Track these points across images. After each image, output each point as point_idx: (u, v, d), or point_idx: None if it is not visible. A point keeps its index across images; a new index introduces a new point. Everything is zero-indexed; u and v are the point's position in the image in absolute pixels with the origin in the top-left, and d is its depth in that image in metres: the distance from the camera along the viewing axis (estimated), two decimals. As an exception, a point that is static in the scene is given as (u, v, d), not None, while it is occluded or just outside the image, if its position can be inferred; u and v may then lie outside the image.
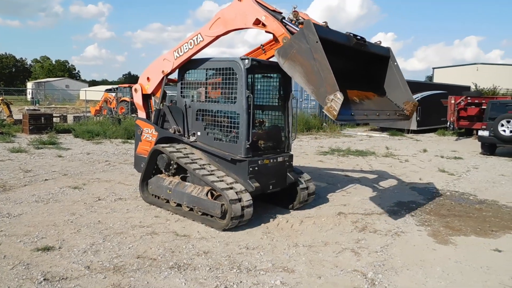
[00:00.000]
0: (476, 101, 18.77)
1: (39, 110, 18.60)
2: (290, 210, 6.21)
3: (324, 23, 4.81)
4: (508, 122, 13.04)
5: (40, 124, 15.18)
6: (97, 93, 36.47)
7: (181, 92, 6.12)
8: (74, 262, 4.12)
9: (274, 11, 5.25)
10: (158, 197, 6.11)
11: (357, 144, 15.93)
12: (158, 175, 6.18)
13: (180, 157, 5.59)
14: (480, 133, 13.99)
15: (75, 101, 47.33)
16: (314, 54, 4.33)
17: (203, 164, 5.51)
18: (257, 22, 5.21)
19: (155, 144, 6.23)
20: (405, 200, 7.26)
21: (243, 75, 5.21)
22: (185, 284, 3.77)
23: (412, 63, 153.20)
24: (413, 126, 21.12)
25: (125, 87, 27.77)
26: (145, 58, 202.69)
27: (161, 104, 6.26)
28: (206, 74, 5.93)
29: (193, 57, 5.99)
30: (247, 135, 5.25)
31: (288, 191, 6.13)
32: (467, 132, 20.33)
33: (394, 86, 5.47)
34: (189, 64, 6.05)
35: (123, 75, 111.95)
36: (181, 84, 6.13)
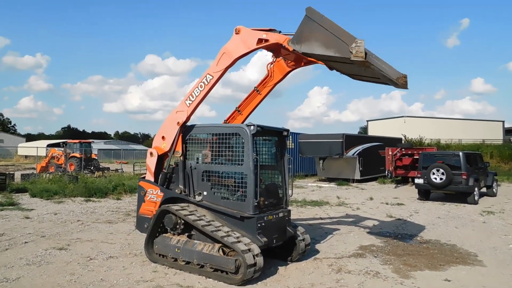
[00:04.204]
0: (409, 152, 21.31)
1: (-12, 169, 17.75)
2: (280, 260, 6.77)
3: None
4: (438, 170, 15.10)
5: (-9, 184, 14.60)
6: (35, 149, 34.74)
7: (186, 154, 6.67)
8: (97, 316, 4.49)
9: (270, 30, 6.36)
10: (165, 256, 6.35)
11: (310, 195, 17.19)
12: (163, 234, 6.49)
13: (196, 220, 5.98)
14: (416, 181, 15.96)
15: (12, 156, 44.54)
16: (323, 25, 5.44)
17: (219, 226, 5.95)
18: (259, 42, 6.31)
19: (161, 204, 6.60)
20: (366, 243, 8.33)
21: (249, 140, 5.86)
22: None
23: (346, 115, 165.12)
24: (357, 175, 23.10)
25: (74, 142, 27.32)
26: (85, 110, 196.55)
27: (169, 167, 6.74)
28: (212, 138, 6.50)
29: (198, 125, 6.72)
30: (255, 194, 5.82)
31: (284, 244, 6.63)
32: (404, 180, 22.66)
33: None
34: (194, 129, 6.68)
35: (62, 128, 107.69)
36: (186, 147, 6.67)
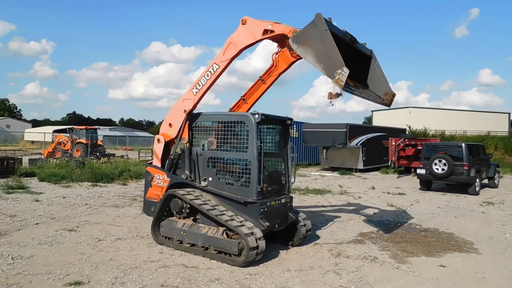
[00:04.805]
0: (413, 142, 21.42)
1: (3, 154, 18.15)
2: (281, 244, 7.02)
3: (329, 19, 6.00)
4: (440, 161, 15.24)
5: (2, 168, 14.97)
6: (41, 134, 35.11)
7: (192, 141, 6.87)
8: (108, 292, 4.77)
9: (275, 23, 6.51)
10: (171, 238, 6.60)
11: (313, 183, 17.42)
12: (170, 218, 6.74)
13: (201, 204, 6.20)
14: (418, 171, 16.12)
15: (19, 142, 45.07)
16: (324, 39, 5.63)
17: (223, 210, 6.17)
18: (265, 32, 6.49)
19: (168, 189, 6.82)
20: (365, 231, 8.56)
21: (254, 128, 6.05)
22: (209, 304, 4.58)
23: (351, 105, 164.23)
24: (360, 165, 23.26)
25: (81, 129, 27.63)
26: (90, 97, 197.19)
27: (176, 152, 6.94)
28: (218, 126, 6.70)
29: (204, 113, 6.92)
30: (258, 180, 6.03)
31: (286, 229, 6.88)
32: (406, 170, 22.81)
33: (376, 81, 6.48)
34: (200, 117, 6.88)
35: (67, 114, 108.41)
36: (192, 134, 6.87)
